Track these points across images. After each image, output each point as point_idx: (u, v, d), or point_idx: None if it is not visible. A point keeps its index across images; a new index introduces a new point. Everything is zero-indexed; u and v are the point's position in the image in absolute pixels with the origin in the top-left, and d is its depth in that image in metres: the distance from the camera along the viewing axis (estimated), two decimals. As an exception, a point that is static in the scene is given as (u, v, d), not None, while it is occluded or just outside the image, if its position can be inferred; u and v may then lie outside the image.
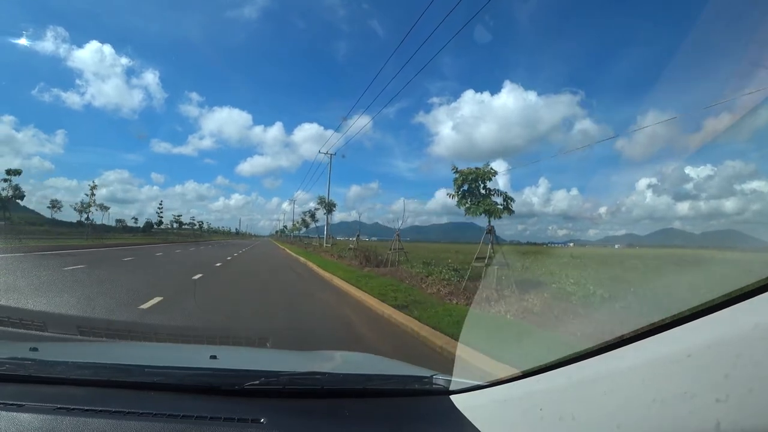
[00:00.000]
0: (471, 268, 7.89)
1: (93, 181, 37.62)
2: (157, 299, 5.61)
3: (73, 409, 0.99)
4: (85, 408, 1.00)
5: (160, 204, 79.09)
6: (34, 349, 1.41)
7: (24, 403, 1.01)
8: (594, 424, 0.69)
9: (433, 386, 1.25)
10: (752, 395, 0.49)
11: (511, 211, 7.95)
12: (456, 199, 8.13)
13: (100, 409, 1.01)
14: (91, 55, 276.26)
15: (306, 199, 64.43)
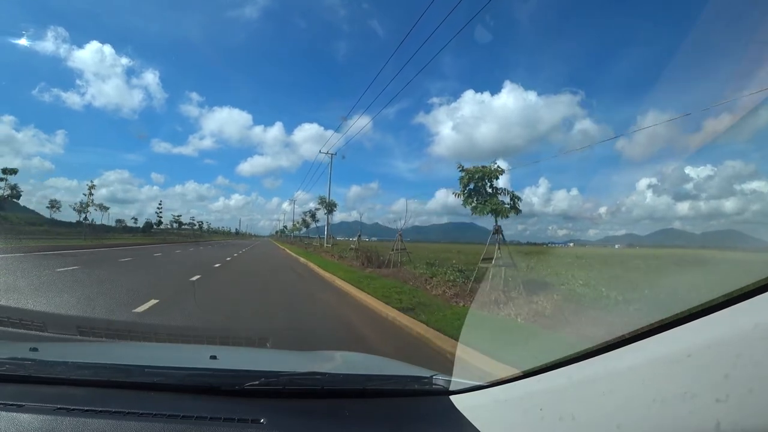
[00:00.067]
0: (477, 269, 7.66)
1: (91, 181, 37.41)
2: (152, 302, 5.40)
3: (73, 409, 0.99)
4: (85, 408, 1.00)
5: (160, 204, 78.84)
6: (34, 350, 1.41)
7: (24, 404, 1.00)
8: (594, 424, 0.69)
9: (433, 386, 1.24)
10: (752, 395, 0.48)
11: (518, 211, 7.73)
12: (462, 198, 7.90)
13: (100, 409, 1.00)
14: (91, 55, 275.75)
15: (306, 200, 64.24)
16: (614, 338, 0.74)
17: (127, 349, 2.23)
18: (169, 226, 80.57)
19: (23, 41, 66.62)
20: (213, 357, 1.50)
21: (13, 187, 37.80)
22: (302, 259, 18.13)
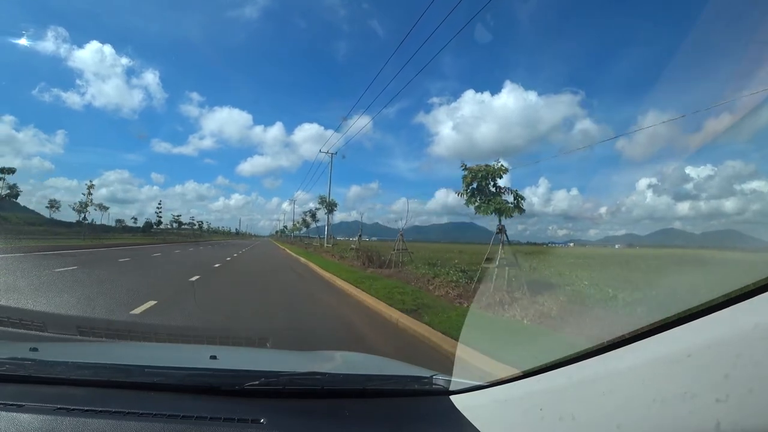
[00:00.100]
0: (481, 270, 7.54)
1: (90, 181, 37.21)
2: (150, 303, 5.27)
3: (73, 409, 0.99)
4: (85, 408, 1.00)
5: (159, 204, 78.48)
6: (34, 350, 1.40)
7: (24, 404, 1.00)
8: (594, 424, 0.69)
9: (433, 386, 1.24)
10: (752, 395, 0.48)
11: (522, 210, 7.61)
12: (464, 197, 7.78)
13: (100, 409, 1.00)
14: (91, 55, 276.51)
15: (306, 199, 64.10)
16: (614, 338, 0.73)
17: (127, 349, 2.21)
18: (168, 226, 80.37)
19: (23, 41, 66.47)
20: (213, 357, 1.49)
21: (12, 187, 37.63)
22: (302, 259, 18.01)
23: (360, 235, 18.18)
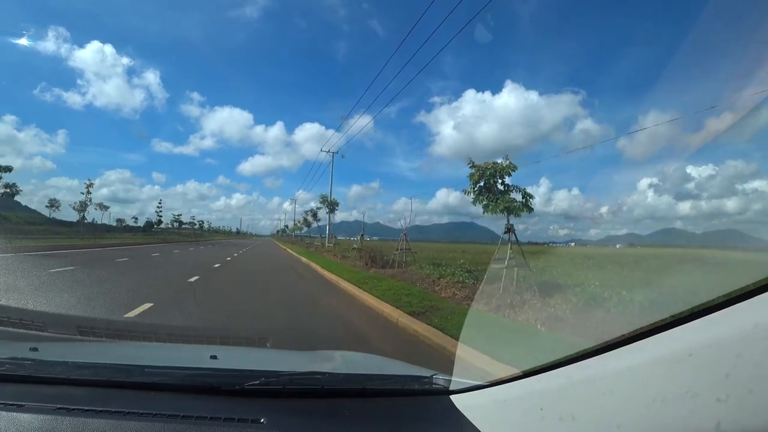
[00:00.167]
0: (489, 270, 7.28)
1: (89, 180, 36.94)
2: (146, 306, 5.04)
3: (73, 409, 0.99)
4: (85, 408, 1.00)
5: (159, 203, 78.10)
6: (34, 349, 1.39)
7: (24, 403, 1.00)
8: (594, 424, 0.69)
9: (433, 386, 1.24)
10: (752, 395, 0.48)
11: (530, 209, 7.38)
12: (472, 196, 7.54)
13: (100, 409, 1.00)
14: (92, 55, 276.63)
15: (307, 199, 63.75)
16: (614, 338, 0.73)
17: (127, 349, 2.20)
18: (169, 226, 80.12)
19: (24, 41, 66.48)
20: (213, 357, 1.48)
21: (11, 186, 37.47)
22: (304, 259, 17.77)
23: (362, 235, 17.93)
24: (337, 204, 28.86)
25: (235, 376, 1.25)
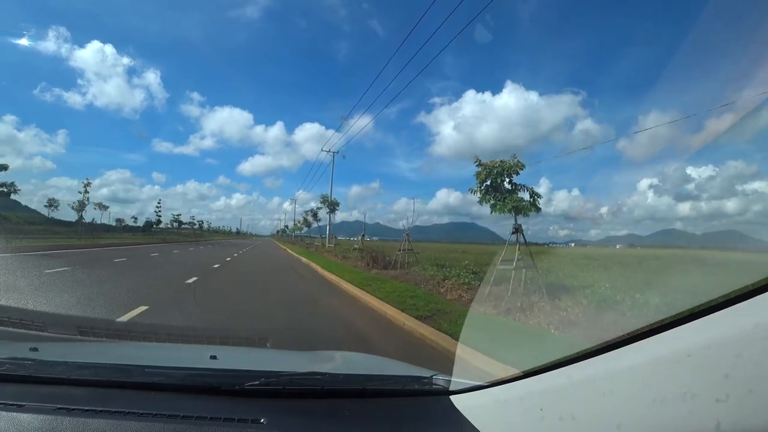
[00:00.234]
0: (496, 271, 7.06)
1: (87, 179, 36.65)
2: (141, 309, 4.82)
3: (73, 409, 0.98)
4: (85, 408, 0.99)
5: (159, 203, 77.61)
6: (34, 349, 1.39)
7: (24, 403, 1.00)
8: (594, 424, 0.69)
9: (433, 386, 1.24)
10: (752, 395, 0.48)
11: (538, 209, 7.17)
12: (478, 195, 7.32)
13: (100, 409, 1.00)
14: (92, 54, 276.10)
15: (307, 199, 63.47)
16: (614, 338, 0.73)
17: (127, 349, 2.19)
18: (169, 226, 79.80)
19: (24, 41, 66.26)
20: (213, 357, 1.47)
21: (10, 185, 37.22)
22: (304, 260, 17.56)
23: (363, 235, 17.71)
24: (337, 204, 28.65)
25: (235, 376, 1.25)
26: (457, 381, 1.20)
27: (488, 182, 7.19)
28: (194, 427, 0.94)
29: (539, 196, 7.18)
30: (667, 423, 0.56)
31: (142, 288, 6.74)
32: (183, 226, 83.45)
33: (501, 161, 7.19)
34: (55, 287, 6.24)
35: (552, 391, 0.83)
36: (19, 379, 1.17)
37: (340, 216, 31.45)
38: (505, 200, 6.92)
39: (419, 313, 5.20)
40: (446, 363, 3.62)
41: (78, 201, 36.13)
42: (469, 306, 6.11)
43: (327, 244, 28.38)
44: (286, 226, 68.73)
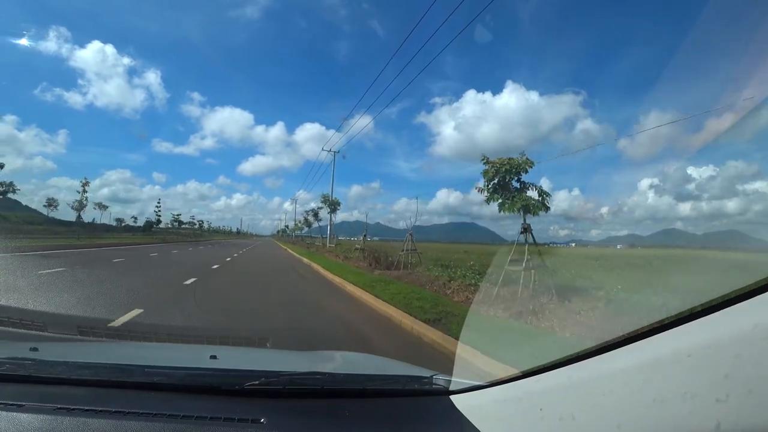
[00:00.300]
0: (505, 272, 6.82)
1: (85, 179, 36.38)
2: (135, 312, 4.59)
3: (73, 409, 0.99)
4: (85, 408, 1.00)
5: (158, 203, 77.19)
6: (34, 349, 1.39)
7: (24, 403, 1.00)
8: (594, 424, 0.69)
9: (433, 386, 1.24)
10: (752, 395, 0.49)
11: (547, 208, 6.95)
12: (485, 194, 7.10)
13: (100, 409, 1.00)
14: (93, 55, 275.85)
15: (307, 199, 63.29)
16: (614, 338, 0.73)
17: (127, 349, 2.19)
18: (169, 226, 79.55)
19: (24, 41, 66.16)
20: (213, 357, 1.47)
21: (9, 185, 37.02)
22: (305, 260, 17.32)
23: (365, 235, 17.47)
24: (338, 204, 28.44)
25: (235, 376, 1.25)
26: (457, 381, 1.20)
27: (496, 180, 6.98)
28: (194, 427, 0.94)
29: (548, 194, 6.96)
30: (667, 423, 0.56)
31: (138, 289, 6.51)
32: (183, 226, 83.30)
33: (509, 159, 6.98)
34: (47, 288, 6.01)
35: (552, 391, 0.82)
36: (19, 379, 1.16)
37: (340, 216, 31.18)
38: (514, 199, 6.70)
39: (427, 316, 4.97)
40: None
41: (76, 200, 35.82)
42: (479, 309, 5.88)
43: (328, 244, 28.15)
44: (287, 226, 68.62)
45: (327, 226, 30.57)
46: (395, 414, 1.11)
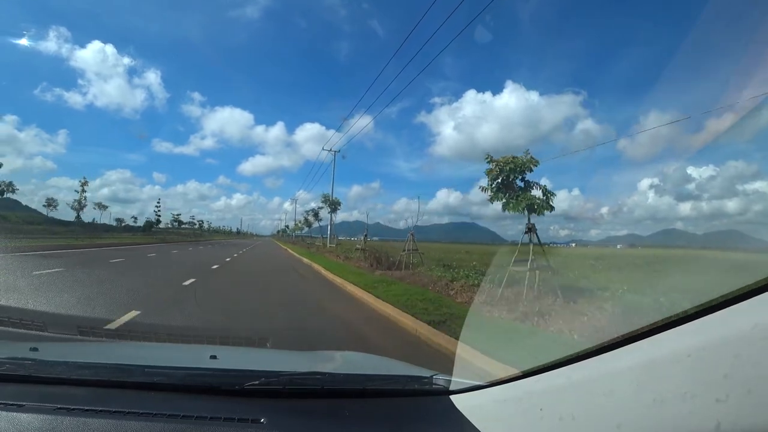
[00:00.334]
0: (509, 273, 6.71)
1: (83, 178, 36.18)
2: (132, 313, 4.48)
3: (73, 409, 0.99)
4: (85, 408, 1.00)
5: (158, 203, 76.96)
6: (34, 349, 1.39)
7: (24, 403, 1.00)
8: (594, 424, 0.69)
9: (433, 386, 1.23)
10: (752, 395, 0.48)
11: (552, 208, 6.85)
12: (489, 193, 7.00)
13: (100, 409, 1.00)
14: (93, 55, 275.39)
15: (307, 199, 63.05)
16: (614, 338, 0.73)
17: (127, 349, 2.20)
18: (169, 226, 79.41)
19: (24, 41, 65.92)
20: (213, 357, 1.47)
21: (8, 184, 36.96)
22: (306, 260, 17.22)
23: (366, 235, 17.37)
24: (339, 203, 28.33)
25: (235, 376, 1.24)
26: (457, 381, 1.19)
27: (500, 179, 6.87)
28: (194, 427, 0.94)
29: (553, 194, 6.87)
30: (666, 423, 0.56)
31: (136, 290, 6.40)
32: (183, 226, 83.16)
33: (513, 157, 6.87)
34: (42, 290, 5.90)
35: (552, 391, 0.82)
36: (19, 379, 1.16)
37: (340, 216, 31.01)
38: (519, 198, 6.60)
39: (431, 318, 4.86)
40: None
41: (75, 200, 35.68)
42: (481, 309, 5.78)
43: (328, 244, 28.04)
44: (287, 226, 68.52)
45: (327, 226, 30.48)
46: (395, 414, 1.11)
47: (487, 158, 6.98)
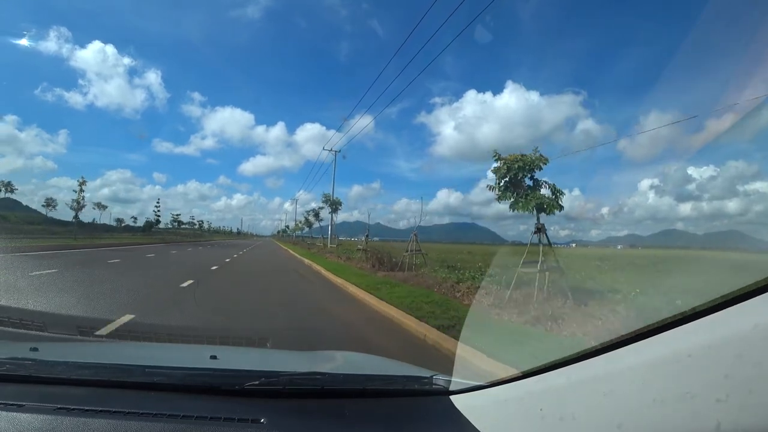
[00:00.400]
0: (517, 274, 6.51)
1: (81, 178, 35.99)
2: (126, 318, 4.28)
3: (73, 409, 0.99)
4: (85, 408, 1.00)
5: (158, 203, 76.84)
6: (35, 349, 1.38)
7: (24, 403, 1.00)
8: (594, 424, 0.69)
9: (433, 386, 1.23)
10: (752, 395, 0.48)
11: (561, 207, 6.65)
12: (497, 192, 6.79)
13: (100, 409, 1.00)
14: (93, 55, 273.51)
15: (308, 200, 62.68)
16: (614, 338, 0.73)
17: (127, 349, 2.20)
18: (169, 226, 79.29)
19: (24, 41, 65.44)
20: (213, 357, 1.46)
21: (7, 184, 36.82)
22: (306, 261, 17.03)
23: (367, 235, 17.16)
24: (339, 203, 28.14)
25: (235, 376, 1.25)
26: (457, 381, 1.19)
27: (507, 178, 6.67)
28: (194, 427, 0.94)
29: (562, 192, 6.67)
30: (667, 423, 0.56)
31: (132, 293, 6.20)
32: (183, 226, 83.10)
33: (522, 155, 6.68)
34: (37, 291, 5.70)
35: (552, 391, 0.82)
36: (19, 379, 1.16)
37: (341, 216, 30.73)
38: (528, 197, 6.40)
39: (438, 322, 4.66)
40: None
41: (74, 200, 35.45)
42: (489, 311, 5.58)
43: (329, 245, 27.83)
44: (287, 227, 68.31)
45: (328, 226, 30.28)
46: (395, 414, 1.11)
47: (494, 156, 6.78)
